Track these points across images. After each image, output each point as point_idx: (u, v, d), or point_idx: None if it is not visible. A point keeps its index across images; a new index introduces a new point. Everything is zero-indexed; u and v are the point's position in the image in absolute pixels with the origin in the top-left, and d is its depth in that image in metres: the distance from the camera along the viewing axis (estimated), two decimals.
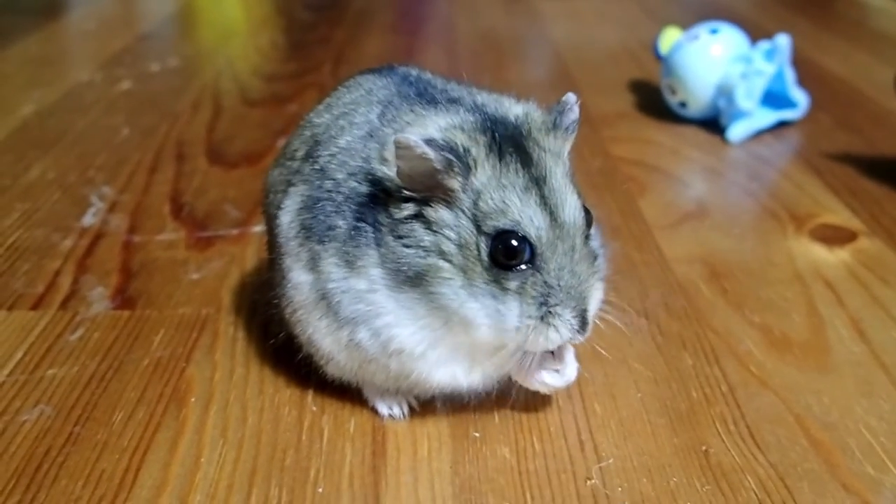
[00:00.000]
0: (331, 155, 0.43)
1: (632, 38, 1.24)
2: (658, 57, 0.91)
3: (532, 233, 0.37)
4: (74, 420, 0.45)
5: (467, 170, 0.37)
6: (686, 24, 0.91)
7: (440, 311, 0.39)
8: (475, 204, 0.38)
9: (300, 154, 0.45)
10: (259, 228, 0.66)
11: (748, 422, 0.45)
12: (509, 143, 0.39)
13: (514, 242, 0.37)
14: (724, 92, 0.83)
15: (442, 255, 0.38)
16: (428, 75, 0.48)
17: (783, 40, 0.82)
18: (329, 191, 0.42)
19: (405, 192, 0.38)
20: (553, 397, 0.46)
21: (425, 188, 0.38)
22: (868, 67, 1.10)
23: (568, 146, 0.41)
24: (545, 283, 0.38)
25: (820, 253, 0.63)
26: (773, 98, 0.87)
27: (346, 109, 0.45)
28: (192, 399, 0.46)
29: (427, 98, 0.43)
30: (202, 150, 0.82)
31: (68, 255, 0.62)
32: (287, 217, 0.44)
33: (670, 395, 0.47)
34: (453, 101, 0.42)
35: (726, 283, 0.58)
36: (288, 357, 0.49)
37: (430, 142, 0.37)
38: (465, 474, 0.41)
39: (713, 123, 0.87)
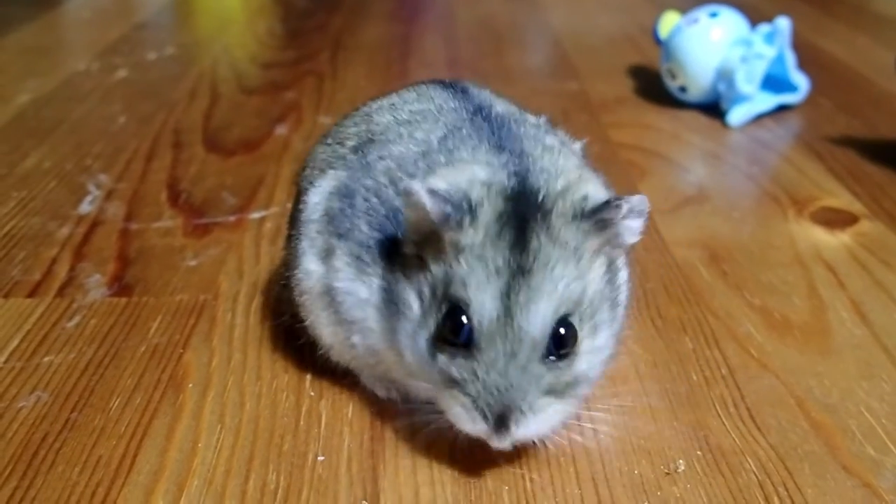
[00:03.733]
0: (380, 157, 0.42)
1: (631, 23, 1.23)
2: (657, 41, 0.90)
3: (475, 318, 0.35)
4: (71, 406, 0.44)
5: (459, 227, 0.36)
6: (685, 8, 0.90)
7: (398, 346, 0.39)
8: (452, 265, 0.36)
9: (350, 144, 0.45)
10: (257, 215, 0.65)
11: (748, 404, 0.45)
12: (517, 220, 0.36)
13: (459, 320, 0.36)
14: (724, 76, 0.83)
15: (418, 297, 0.38)
16: (502, 107, 0.45)
17: (783, 23, 0.81)
18: (367, 188, 0.41)
19: (410, 235, 0.38)
20: None
21: (423, 236, 0.37)
22: (869, 50, 1.09)
23: (595, 243, 0.37)
24: (472, 370, 0.36)
25: (821, 236, 0.62)
26: (774, 82, 0.86)
27: (410, 118, 0.44)
28: (190, 385, 0.46)
29: (495, 140, 0.40)
30: (199, 137, 0.82)
31: (65, 243, 0.61)
32: (316, 197, 0.43)
33: (670, 378, 0.47)
34: (518, 155, 0.39)
35: (726, 267, 0.58)
36: (286, 342, 0.49)
37: (433, 192, 0.35)
38: (464, 458, 0.41)
39: (713, 108, 0.86)
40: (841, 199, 0.68)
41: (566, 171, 0.39)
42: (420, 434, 0.42)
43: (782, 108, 0.87)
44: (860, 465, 0.40)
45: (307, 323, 0.45)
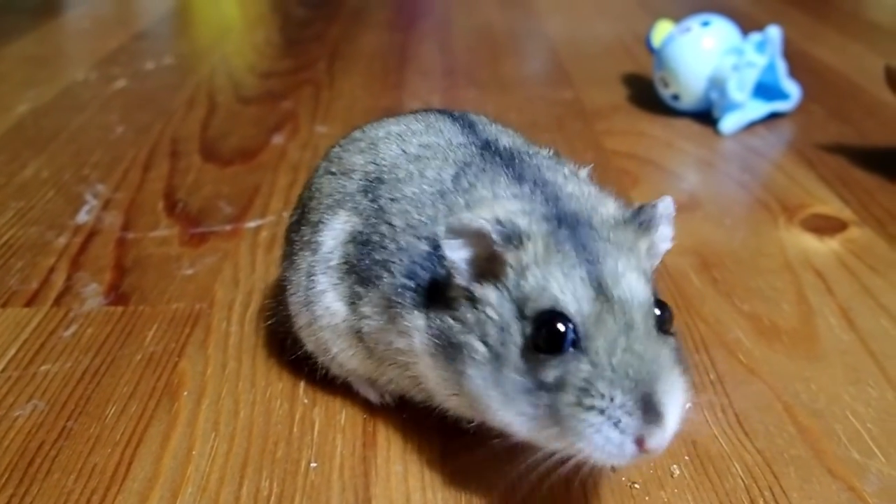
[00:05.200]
0: (392, 199, 0.41)
1: (626, 31, 1.24)
2: (651, 50, 0.91)
3: (572, 308, 0.33)
4: (67, 415, 0.45)
5: (519, 246, 0.34)
6: (681, 15, 0.91)
7: (472, 398, 0.36)
8: (519, 284, 0.34)
9: (356, 178, 0.43)
10: (252, 224, 0.66)
11: (736, 410, 0.45)
12: (570, 231, 0.35)
13: (556, 323, 0.33)
14: (716, 84, 0.83)
15: (482, 335, 0.35)
16: (508, 140, 0.44)
17: (774, 32, 0.82)
18: (384, 235, 0.40)
19: (457, 276, 0.36)
20: None
21: (477, 268, 0.36)
22: (861, 58, 1.10)
23: (644, 243, 0.36)
24: (591, 364, 0.32)
25: (810, 243, 0.63)
26: (766, 90, 0.87)
27: (419, 153, 0.43)
28: (185, 393, 0.47)
29: (511, 172, 0.39)
30: (196, 147, 0.83)
31: (62, 253, 0.62)
32: (331, 241, 0.42)
33: None
34: (540, 184, 0.38)
35: (717, 273, 0.59)
36: (279, 350, 0.49)
37: (488, 219, 0.34)
38: (455, 464, 0.41)
39: (706, 115, 0.87)
40: (831, 205, 0.69)
41: (591, 195, 0.38)
42: (411, 440, 0.43)
43: (774, 116, 0.88)
44: (845, 469, 0.41)
45: (322, 352, 0.45)
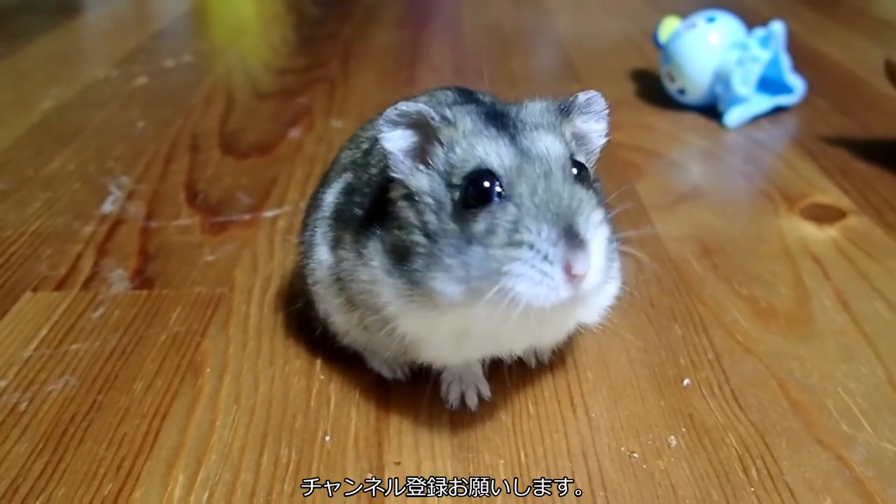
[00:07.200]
0: (378, 151, 0.45)
1: (634, 28, 1.26)
2: (657, 45, 0.93)
3: (495, 163, 0.37)
4: (98, 389, 0.48)
5: (444, 125, 0.39)
6: (688, 11, 0.93)
7: (425, 295, 0.38)
8: (447, 158, 0.38)
9: (364, 147, 0.49)
10: (270, 213, 0.69)
11: (732, 386, 0.47)
12: (493, 112, 0.40)
13: (483, 180, 0.36)
14: (721, 78, 0.85)
15: (423, 227, 0.38)
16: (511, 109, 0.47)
17: (777, 27, 0.84)
18: (364, 181, 0.45)
19: (396, 170, 0.40)
20: (547, 366, 0.49)
21: (410, 156, 0.40)
22: (867, 52, 1.11)
23: (567, 127, 0.40)
24: (516, 206, 0.35)
25: (809, 230, 0.65)
26: (770, 84, 0.89)
27: None
28: (208, 370, 0.49)
29: (483, 108, 0.42)
30: (215, 141, 0.85)
31: (89, 240, 0.65)
32: (330, 197, 0.48)
33: (659, 362, 0.50)
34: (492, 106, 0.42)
35: (717, 259, 0.61)
36: (297, 331, 0.52)
37: (411, 104, 0.39)
38: (464, 435, 0.44)
39: (711, 109, 0.89)
40: (830, 195, 0.71)
41: (539, 111, 0.41)
42: (422, 414, 0.45)
43: (779, 109, 0.89)
44: (834, 440, 0.43)
45: (320, 311, 0.48)
